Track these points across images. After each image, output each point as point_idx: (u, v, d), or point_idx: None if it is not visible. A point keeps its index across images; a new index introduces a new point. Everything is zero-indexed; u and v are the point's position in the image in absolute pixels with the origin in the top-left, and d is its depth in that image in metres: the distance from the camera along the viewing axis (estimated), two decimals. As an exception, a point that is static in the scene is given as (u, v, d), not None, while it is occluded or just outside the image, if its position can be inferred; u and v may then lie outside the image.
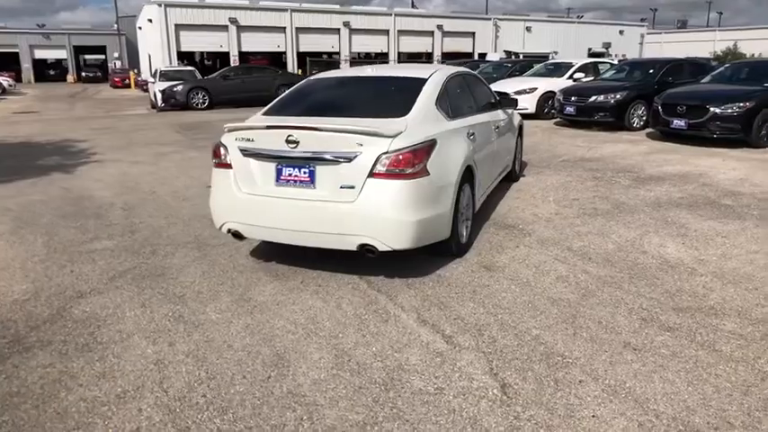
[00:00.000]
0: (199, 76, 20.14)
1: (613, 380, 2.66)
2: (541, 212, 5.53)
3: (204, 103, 17.67)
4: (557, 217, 5.37)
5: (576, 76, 13.52)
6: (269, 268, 4.15)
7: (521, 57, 39.55)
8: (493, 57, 40.97)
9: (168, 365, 2.86)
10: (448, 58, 39.46)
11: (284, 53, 37.23)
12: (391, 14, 40.20)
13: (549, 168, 7.74)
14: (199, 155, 9.24)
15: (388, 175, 3.45)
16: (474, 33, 42.90)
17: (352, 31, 38.84)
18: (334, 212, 3.55)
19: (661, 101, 9.70)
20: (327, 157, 3.52)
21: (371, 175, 3.46)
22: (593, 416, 2.40)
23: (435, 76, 4.36)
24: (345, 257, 4.03)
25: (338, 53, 38.45)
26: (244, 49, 35.83)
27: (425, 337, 3.11)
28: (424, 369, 2.79)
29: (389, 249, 3.56)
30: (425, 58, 41.20)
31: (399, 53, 40.65)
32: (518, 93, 13.22)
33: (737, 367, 2.75)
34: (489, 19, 43.25)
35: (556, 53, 40.05)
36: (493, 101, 5.78)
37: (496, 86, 13.91)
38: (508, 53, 42.10)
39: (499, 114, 5.74)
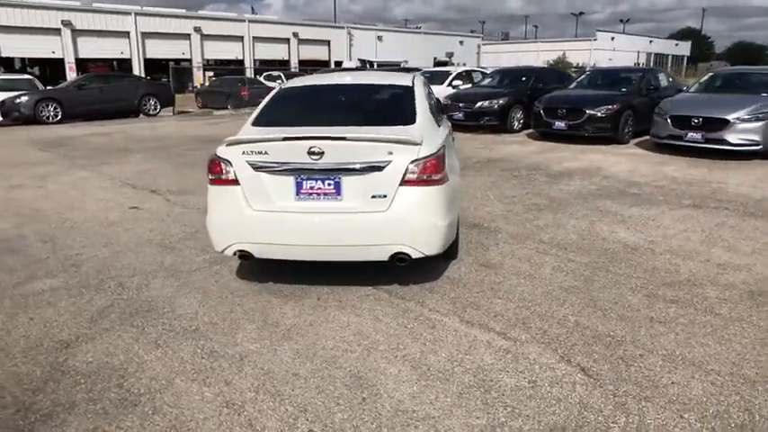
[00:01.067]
0: (40, 85, 17.66)
1: (663, 350, 3.02)
2: (494, 211, 5.92)
3: (56, 117, 15.55)
4: (510, 214, 5.79)
5: (455, 83, 14.49)
6: (270, 289, 3.90)
7: (375, 65, 41.18)
8: (348, 65, 41.99)
9: (244, 406, 2.59)
10: (304, 65, 39.48)
11: (129, 60, 34.15)
12: (245, 20, 39.08)
13: (469, 169, 8.24)
14: (91, 174, 8.19)
15: (419, 182, 3.48)
16: (329, 42, 43.46)
17: (204, 36, 36.98)
18: (365, 223, 3.48)
19: (542, 105, 10.87)
20: (356, 167, 3.43)
21: (403, 182, 3.46)
22: (673, 383, 2.71)
23: (417, 83, 4.47)
24: (344, 269, 3.97)
25: (190, 60, 36.31)
26: (81, 56, 32.12)
27: (482, 336, 3.21)
28: (504, 366, 2.89)
29: (422, 256, 3.58)
30: (281, 65, 40.71)
31: (255, 60, 39.62)
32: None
33: (743, 325, 3.28)
34: (343, 28, 44.16)
35: (406, 62, 42.12)
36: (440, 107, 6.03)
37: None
38: (363, 61, 43.37)
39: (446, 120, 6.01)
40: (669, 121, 8.96)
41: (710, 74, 10.57)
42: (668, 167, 8.18)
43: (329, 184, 3.48)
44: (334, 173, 3.46)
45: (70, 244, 4.97)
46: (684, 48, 67.66)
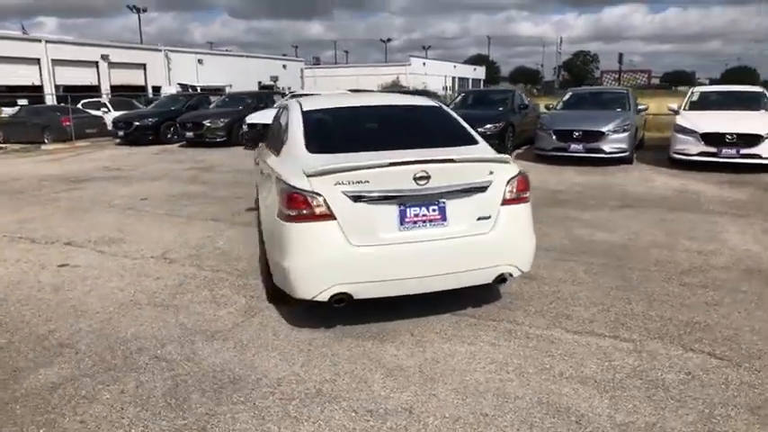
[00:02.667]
0: None
1: (745, 326, 3.47)
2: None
3: None
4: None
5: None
6: (346, 332, 3.52)
7: (198, 90, 39.01)
8: (169, 90, 39.09)
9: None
10: (117, 90, 35.77)
11: None
12: (41, 41, 34.00)
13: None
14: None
15: (515, 200, 3.48)
16: (145, 65, 39.98)
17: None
18: (472, 246, 3.35)
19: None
20: (462, 189, 3.30)
21: (504, 202, 3.43)
22: (782, 352, 3.15)
23: (440, 104, 4.49)
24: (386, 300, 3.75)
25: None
26: None
27: (602, 342, 3.33)
28: (651, 365, 3.05)
29: (520, 274, 3.57)
30: (89, 90, 36.26)
31: (57, 86, 34.70)
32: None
33: (758, 299, 3.92)
34: (160, 50, 40.99)
35: (230, 86, 40.80)
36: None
37: (254, 119, 13.79)
38: (183, 86, 40.78)
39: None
40: (553, 135, 10.18)
41: (570, 93, 12.28)
42: (566, 176, 9.28)
43: (434, 210, 3.29)
44: (439, 197, 3.29)
45: (27, 321, 3.84)
46: (481, 72, 76.98)
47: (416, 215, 3.26)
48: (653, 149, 11.75)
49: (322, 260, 3.20)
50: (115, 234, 6.07)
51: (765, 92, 10.56)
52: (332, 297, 3.24)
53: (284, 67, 53.21)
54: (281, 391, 2.89)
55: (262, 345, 3.41)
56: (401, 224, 3.25)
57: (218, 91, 33.47)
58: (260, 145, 6.07)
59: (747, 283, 4.24)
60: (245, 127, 13.50)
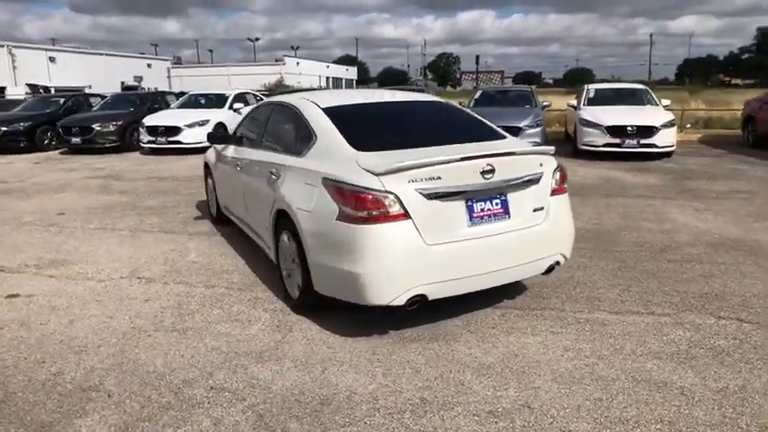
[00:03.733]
0: None
1: (749, 293, 3.92)
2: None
3: None
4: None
5: (236, 106, 13.74)
6: (404, 336, 3.37)
7: (52, 91, 34.71)
8: (16, 91, 34.35)
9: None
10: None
11: None
12: None
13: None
14: None
15: (559, 189, 3.57)
16: (-19, 62, 34.72)
17: None
18: (531, 238, 3.38)
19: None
20: (522, 181, 3.30)
21: (552, 192, 3.50)
22: (796, 312, 3.61)
23: (448, 102, 4.46)
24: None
25: None
26: None
27: (649, 319, 3.54)
28: (708, 335, 3.31)
29: (564, 262, 3.66)
30: None
31: None
32: (190, 125, 12.52)
33: (739, 268, 4.47)
34: (3, 46, 35.76)
35: (90, 87, 37.04)
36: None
37: (154, 120, 12.69)
38: (34, 87, 36.09)
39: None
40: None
41: (480, 91, 12.88)
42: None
43: (497, 204, 3.27)
44: (502, 191, 3.27)
45: (14, 366, 3.14)
46: (353, 72, 77.93)
47: (482, 210, 3.22)
48: (551, 143, 12.78)
49: (399, 262, 3.03)
50: (54, 255, 5.20)
51: (648, 89, 12.04)
52: (409, 300, 3.08)
53: (149, 66, 49.41)
54: (383, 405, 2.69)
55: (324, 360, 3.14)
56: (470, 220, 3.18)
57: (76, 92, 30.07)
58: (221, 147, 5.61)
59: (718, 255, 4.79)
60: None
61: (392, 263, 3.03)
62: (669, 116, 10.47)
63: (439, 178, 3.06)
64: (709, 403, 2.64)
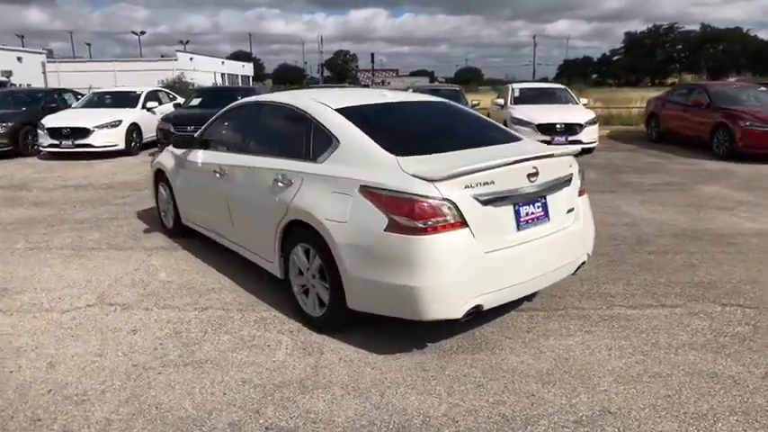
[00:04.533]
0: None
1: (735, 279, 4.23)
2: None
3: None
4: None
5: (149, 105, 12.62)
6: (444, 348, 3.22)
7: None
8: None
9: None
10: None
11: None
12: None
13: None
14: None
15: (582, 190, 3.60)
16: None
17: None
18: (566, 240, 3.36)
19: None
20: (559, 183, 3.27)
21: (579, 192, 3.50)
22: (782, 295, 3.94)
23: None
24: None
25: None
26: None
27: (665, 311, 3.69)
28: (724, 323, 3.51)
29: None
30: None
31: None
32: (100, 127, 11.33)
33: (713, 256, 4.84)
34: None
35: (-59, 83, 32.52)
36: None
37: (56, 122, 11.38)
38: None
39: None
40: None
41: (410, 90, 12.94)
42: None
43: (538, 207, 3.21)
44: (543, 193, 3.22)
45: (1, 426, 2.56)
46: (249, 69, 75.34)
47: (527, 214, 3.15)
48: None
49: (459, 273, 2.86)
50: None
51: (567, 89, 12.79)
52: (466, 312, 2.93)
53: (19, 59, 44.26)
54: (466, 427, 2.52)
55: (376, 382, 2.90)
56: (518, 224, 3.10)
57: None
58: (181, 151, 5.08)
59: (687, 245, 5.15)
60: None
61: (452, 274, 2.86)
62: (591, 114, 11.21)
63: (492, 183, 2.95)
64: (764, 390, 2.79)
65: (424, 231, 2.80)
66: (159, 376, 3.01)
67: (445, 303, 2.88)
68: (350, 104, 3.73)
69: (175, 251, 5.17)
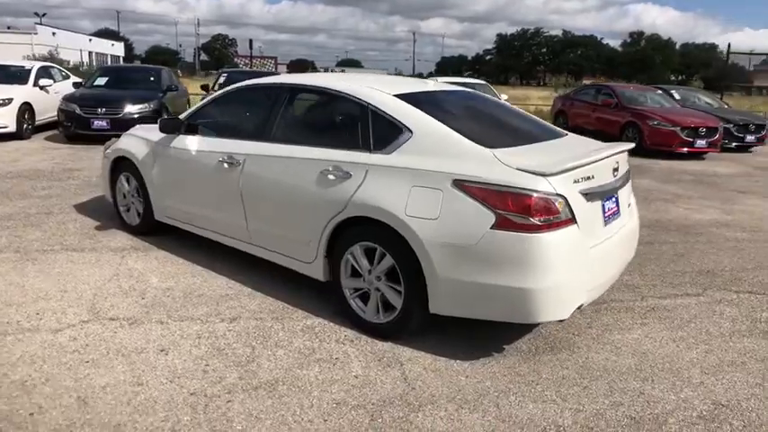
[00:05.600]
0: None
1: (731, 266, 4.59)
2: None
3: None
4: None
5: (42, 83, 10.85)
6: (510, 353, 3.10)
7: None
8: None
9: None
10: None
11: None
12: None
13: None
14: None
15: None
16: None
17: None
18: (630, 235, 3.37)
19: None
20: (626, 178, 3.26)
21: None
22: (774, 280, 4.34)
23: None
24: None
25: None
26: None
27: (692, 300, 3.89)
28: (750, 308, 3.77)
29: None
30: None
31: None
32: (-15, 105, 9.56)
33: (693, 246, 5.23)
34: None
35: None
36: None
37: None
38: None
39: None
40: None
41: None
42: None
43: (614, 202, 3.18)
44: (617, 189, 3.19)
45: None
46: (119, 48, 68.80)
47: (609, 209, 3.10)
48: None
49: (573, 271, 2.74)
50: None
51: (489, 84, 13.23)
52: (573, 311, 2.81)
53: None
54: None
55: (483, 393, 2.68)
56: (605, 219, 3.04)
57: None
58: (158, 137, 4.40)
59: (665, 235, 5.53)
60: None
61: (567, 273, 2.72)
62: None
63: (593, 177, 2.86)
64: (831, 371, 3.03)
65: (539, 229, 2.63)
66: (232, 405, 2.53)
67: (559, 304, 2.74)
68: (407, 91, 3.43)
69: (151, 251, 4.46)
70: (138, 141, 4.68)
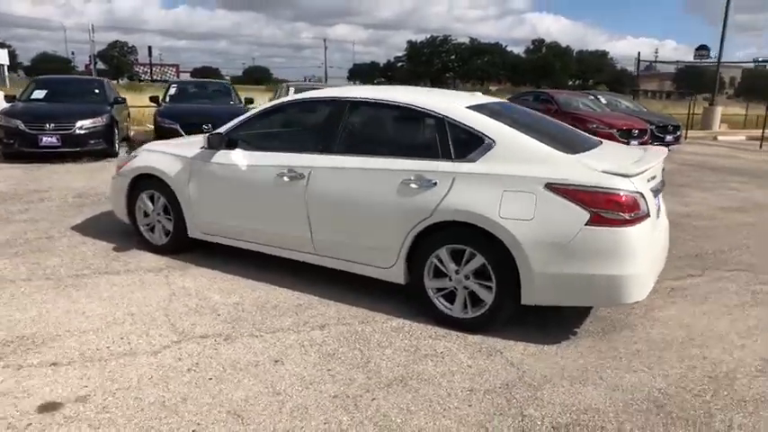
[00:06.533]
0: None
1: (713, 249, 5.31)
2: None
3: None
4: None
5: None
6: (591, 332, 3.50)
7: None
8: None
9: None
10: None
11: None
12: None
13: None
14: None
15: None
16: None
17: None
18: (667, 228, 3.87)
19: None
20: (663, 181, 3.75)
21: None
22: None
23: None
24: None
25: None
26: None
27: (701, 279, 4.50)
28: (750, 284, 4.43)
29: None
30: None
31: None
32: None
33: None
34: None
35: None
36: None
37: None
38: None
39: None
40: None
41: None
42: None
43: (657, 200, 3.65)
44: (659, 190, 3.67)
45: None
46: (4, 56, 62.99)
47: (656, 205, 3.58)
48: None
49: (651, 258, 3.21)
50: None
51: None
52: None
53: None
54: (694, 387, 2.86)
55: (586, 371, 3.04)
56: (657, 214, 3.52)
57: None
58: (194, 153, 4.39)
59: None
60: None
61: (648, 260, 3.20)
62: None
63: (655, 177, 3.33)
64: (827, 327, 3.70)
65: (629, 223, 3.05)
66: (379, 402, 2.69)
67: (642, 287, 3.18)
68: (476, 103, 3.73)
69: (189, 269, 4.41)
70: (166, 157, 4.60)
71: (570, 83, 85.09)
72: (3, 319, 3.45)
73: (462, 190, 3.33)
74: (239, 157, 4.19)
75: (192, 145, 4.59)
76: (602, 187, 3.07)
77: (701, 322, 3.73)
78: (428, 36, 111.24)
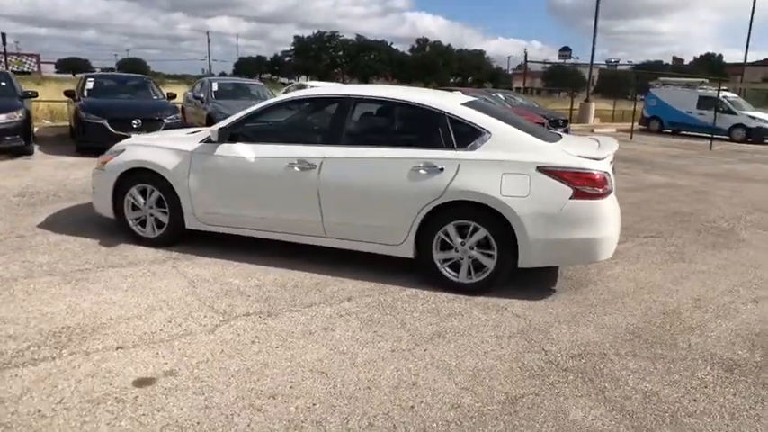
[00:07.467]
0: None
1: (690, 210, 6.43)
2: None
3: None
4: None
5: None
6: (588, 292, 4.28)
7: None
8: None
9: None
10: None
11: None
12: None
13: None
14: None
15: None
16: None
17: None
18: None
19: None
20: (609, 161, 4.63)
21: None
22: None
23: None
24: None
25: None
26: None
27: (697, 248, 5.51)
28: (734, 242, 5.52)
29: None
30: None
31: None
32: None
33: (640, 207, 7.07)
34: None
35: None
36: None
37: None
38: None
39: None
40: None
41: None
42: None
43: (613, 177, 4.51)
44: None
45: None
46: None
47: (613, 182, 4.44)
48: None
49: (615, 223, 4.03)
50: (21, 330, 3.22)
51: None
52: (611, 254, 4.08)
53: None
54: (704, 306, 3.72)
55: (567, 316, 3.80)
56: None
57: None
58: (195, 147, 4.59)
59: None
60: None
61: (615, 225, 4.05)
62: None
63: (613, 160, 4.16)
64: None
65: (601, 197, 3.85)
66: (430, 352, 3.22)
67: (610, 248, 4.02)
68: (466, 101, 4.33)
69: (195, 259, 4.57)
70: (161, 151, 4.68)
71: (452, 80, 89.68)
72: (35, 313, 3.47)
73: (468, 174, 3.94)
74: (244, 150, 4.44)
75: (187, 139, 4.73)
76: (583, 168, 3.84)
77: (641, 276, 4.69)
78: (315, 31, 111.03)
